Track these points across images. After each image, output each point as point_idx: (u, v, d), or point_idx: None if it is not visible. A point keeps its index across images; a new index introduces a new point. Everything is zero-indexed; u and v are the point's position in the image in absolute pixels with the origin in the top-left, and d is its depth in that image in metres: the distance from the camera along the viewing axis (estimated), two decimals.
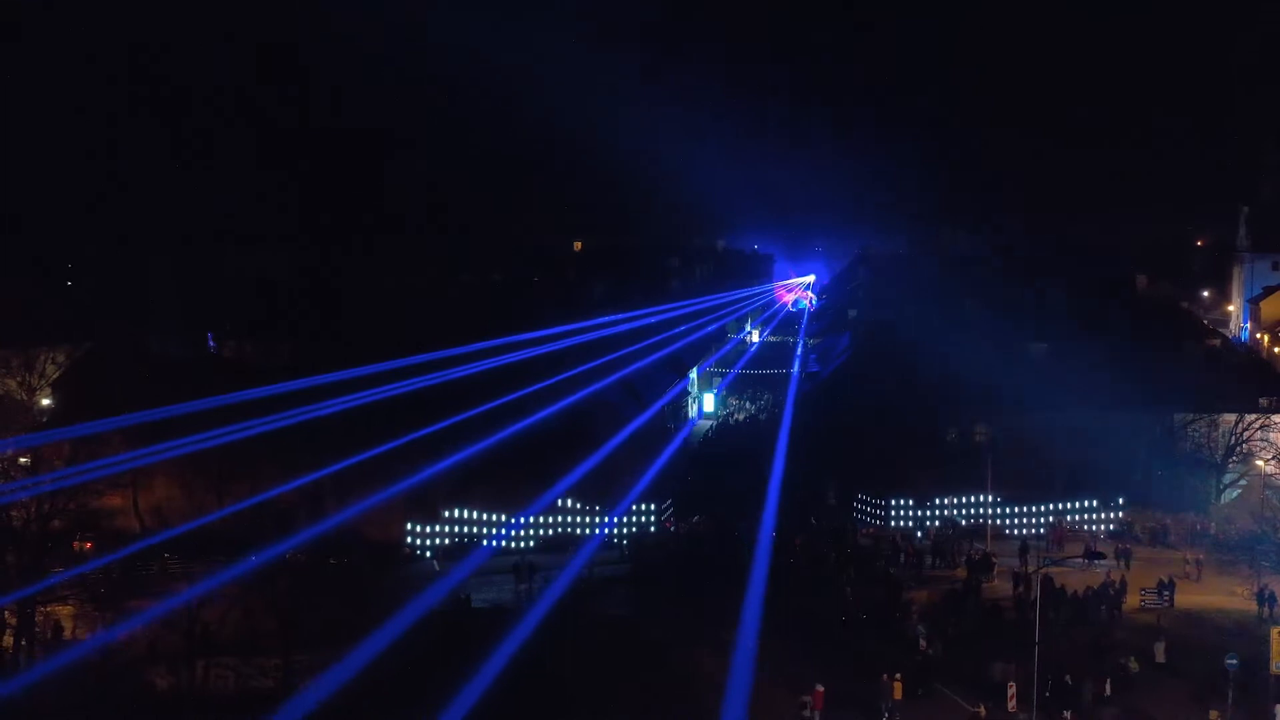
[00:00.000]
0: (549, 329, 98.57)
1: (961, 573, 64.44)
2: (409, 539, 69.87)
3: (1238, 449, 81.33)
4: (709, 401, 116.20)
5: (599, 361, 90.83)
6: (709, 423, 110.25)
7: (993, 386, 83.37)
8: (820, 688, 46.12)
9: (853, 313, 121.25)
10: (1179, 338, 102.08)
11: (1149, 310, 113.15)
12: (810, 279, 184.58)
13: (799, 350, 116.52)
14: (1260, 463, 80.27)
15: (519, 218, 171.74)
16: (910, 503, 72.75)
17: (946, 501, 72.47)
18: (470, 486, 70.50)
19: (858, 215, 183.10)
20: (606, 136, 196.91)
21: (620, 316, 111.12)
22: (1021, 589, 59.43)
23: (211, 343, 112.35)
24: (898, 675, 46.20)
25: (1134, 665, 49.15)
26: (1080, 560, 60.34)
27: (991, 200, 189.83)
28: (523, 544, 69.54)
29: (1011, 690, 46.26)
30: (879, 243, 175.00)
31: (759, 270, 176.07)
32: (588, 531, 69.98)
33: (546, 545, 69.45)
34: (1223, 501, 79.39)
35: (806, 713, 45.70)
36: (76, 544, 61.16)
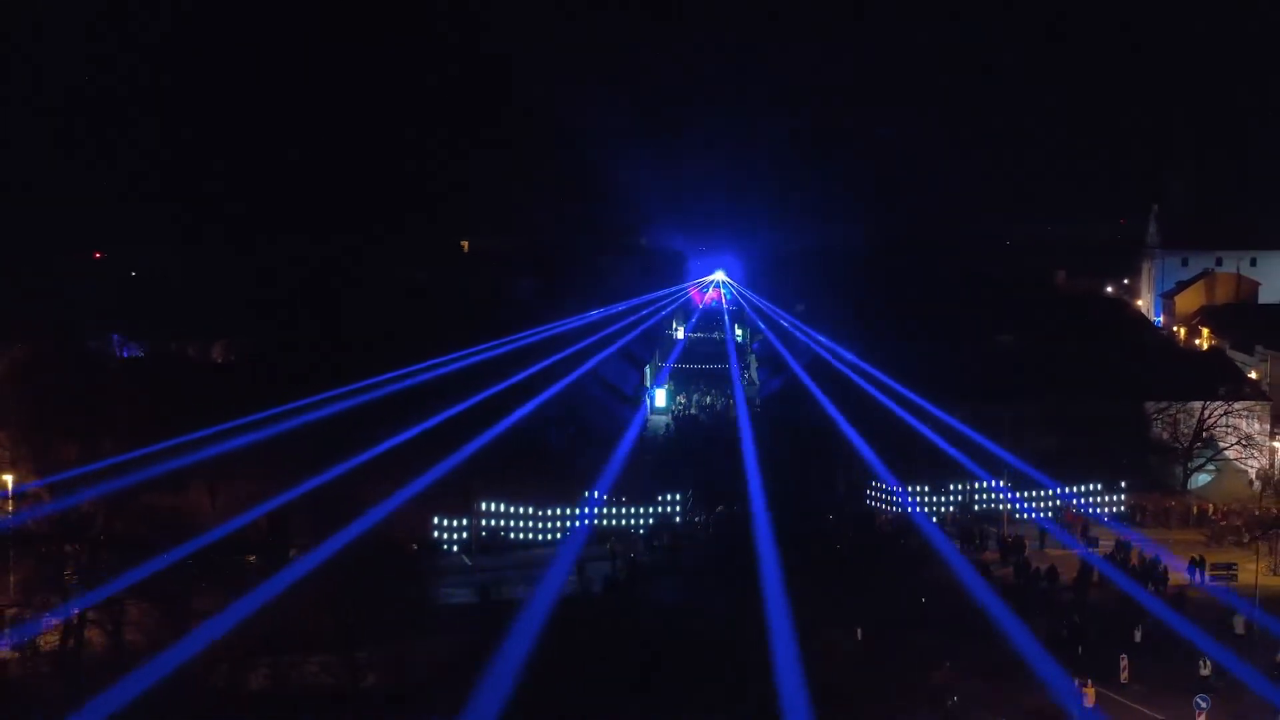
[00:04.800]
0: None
1: (992, 555, 66.23)
2: (436, 533, 68.76)
3: (1202, 435, 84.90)
4: (660, 397, 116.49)
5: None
6: (664, 418, 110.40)
7: (964, 376, 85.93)
8: (948, 663, 47.23)
9: (800, 306, 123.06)
10: (1125, 331, 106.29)
11: (1093, 305, 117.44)
12: (719, 275, 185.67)
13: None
14: (1226, 448, 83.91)
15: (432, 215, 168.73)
16: (926, 489, 74.07)
17: (963, 487, 74.19)
18: (491, 482, 69.82)
19: (768, 212, 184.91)
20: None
21: (590, 317, 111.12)
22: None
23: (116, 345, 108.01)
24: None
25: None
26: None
27: (901, 197, 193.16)
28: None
29: (1125, 662, 47.76)
30: (787, 240, 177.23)
31: (678, 268, 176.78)
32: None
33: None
34: (1190, 486, 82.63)
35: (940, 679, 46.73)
36: None
